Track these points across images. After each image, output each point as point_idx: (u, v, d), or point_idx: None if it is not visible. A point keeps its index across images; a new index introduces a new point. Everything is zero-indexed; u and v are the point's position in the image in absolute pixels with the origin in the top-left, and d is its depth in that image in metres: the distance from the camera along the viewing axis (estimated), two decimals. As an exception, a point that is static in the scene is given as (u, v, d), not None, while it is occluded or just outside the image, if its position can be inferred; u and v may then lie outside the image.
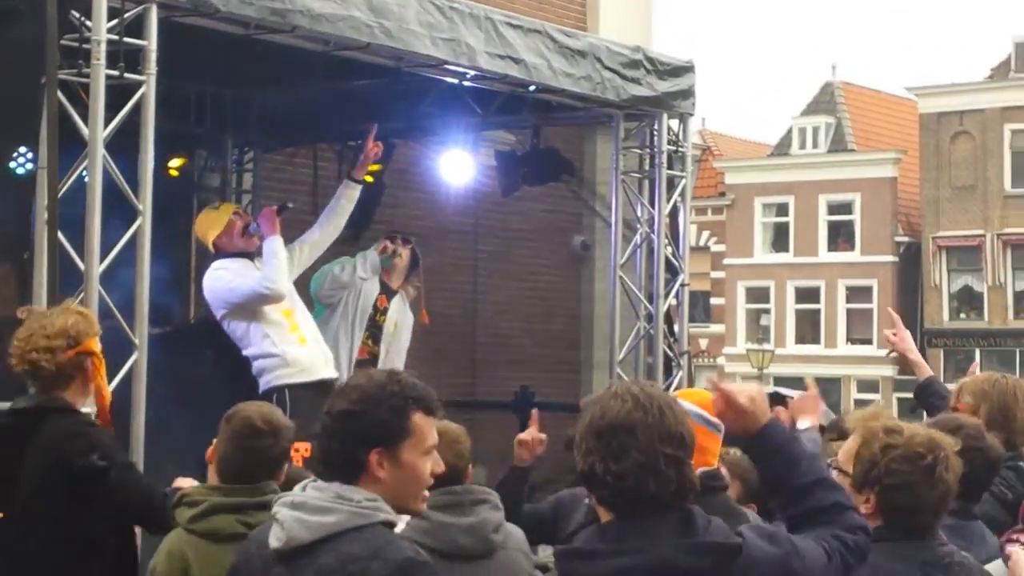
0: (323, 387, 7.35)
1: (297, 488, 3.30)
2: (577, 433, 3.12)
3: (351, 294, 8.65)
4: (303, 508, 3.23)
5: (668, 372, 9.65)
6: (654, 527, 3.02)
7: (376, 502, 3.22)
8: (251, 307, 7.69)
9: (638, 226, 9.66)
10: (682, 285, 9.71)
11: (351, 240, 9.18)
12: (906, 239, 44.20)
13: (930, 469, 3.64)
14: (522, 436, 5.43)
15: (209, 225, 7.97)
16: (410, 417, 3.25)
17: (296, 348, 7.67)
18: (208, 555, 4.32)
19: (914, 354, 6.40)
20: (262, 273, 7.70)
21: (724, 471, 4.72)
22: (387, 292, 8.88)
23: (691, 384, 9.93)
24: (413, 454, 3.26)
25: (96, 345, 4.98)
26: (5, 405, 5.04)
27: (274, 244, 7.79)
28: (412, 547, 3.24)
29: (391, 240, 8.89)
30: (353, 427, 3.23)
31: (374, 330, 8.81)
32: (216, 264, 7.84)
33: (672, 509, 3.04)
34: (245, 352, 7.65)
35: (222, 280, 7.73)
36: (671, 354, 9.71)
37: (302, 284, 8.32)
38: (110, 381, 6.19)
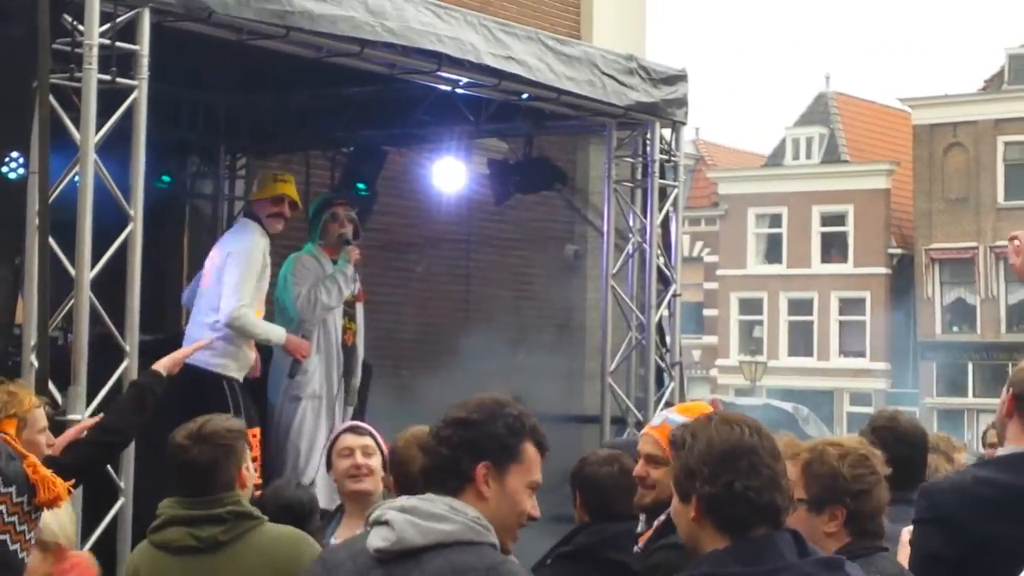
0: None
1: (400, 500, 3.21)
2: (685, 463, 3.02)
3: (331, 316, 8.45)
4: (415, 512, 3.12)
5: (660, 383, 9.62)
6: (779, 546, 2.96)
7: (487, 525, 3.12)
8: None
9: (630, 235, 9.65)
10: (674, 295, 9.69)
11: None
12: (899, 251, 44.24)
13: (876, 472, 3.69)
14: None
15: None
16: (523, 442, 3.20)
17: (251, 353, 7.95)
18: (158, 567, 4.33)
19: None
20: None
21: None
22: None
23: (683, 396, 9.90)
24: (519, 482, 3.18)
25: (10, 427, 4.88)
26: None
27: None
28: (526, 573, 3.20)
29: (337, 221, 8.55)
30: (465, 435, 3.16)
31: (349, 309, 8.59)
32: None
33: (783, 527, 3.00)
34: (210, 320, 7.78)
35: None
36: (663, 365, 9.68)
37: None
38: (102, 387, 6.20)
